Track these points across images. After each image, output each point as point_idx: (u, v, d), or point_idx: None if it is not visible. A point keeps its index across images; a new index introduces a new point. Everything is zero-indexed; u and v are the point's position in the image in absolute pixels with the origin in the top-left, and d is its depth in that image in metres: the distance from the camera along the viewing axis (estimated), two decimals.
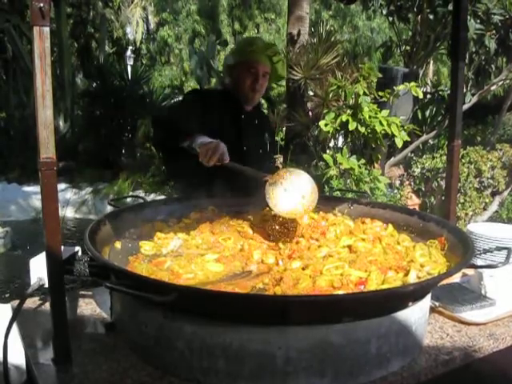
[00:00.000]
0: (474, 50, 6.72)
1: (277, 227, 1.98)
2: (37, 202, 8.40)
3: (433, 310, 1.82)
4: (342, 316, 1.36)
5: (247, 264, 1.79)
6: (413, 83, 5.44)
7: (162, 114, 2.60)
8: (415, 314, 1.51)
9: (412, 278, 1.60)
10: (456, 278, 2.12)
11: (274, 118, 7.82)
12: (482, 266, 1.82)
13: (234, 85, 2.56)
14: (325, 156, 5.39)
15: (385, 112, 5.29)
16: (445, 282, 1.86)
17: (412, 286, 1.51)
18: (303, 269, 1.68)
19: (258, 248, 1.90)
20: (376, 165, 5.87)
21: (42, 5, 1.27)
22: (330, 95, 5.78)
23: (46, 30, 1.30)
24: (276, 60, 2.54)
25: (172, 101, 12.00)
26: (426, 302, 1.62)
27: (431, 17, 6.82)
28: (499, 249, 1.90)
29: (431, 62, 11.59)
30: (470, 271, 2.09)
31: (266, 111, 10.90)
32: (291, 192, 1.98)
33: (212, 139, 2.13)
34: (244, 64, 2.51)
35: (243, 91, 2.53)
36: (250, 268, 1.76)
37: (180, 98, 3.20)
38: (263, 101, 11.06)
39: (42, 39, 1.30)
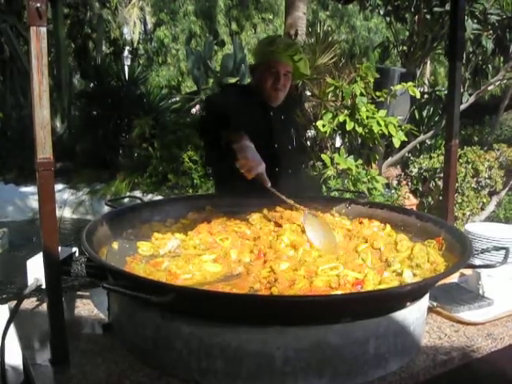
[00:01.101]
0: (471, 49, 6.74)
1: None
2: (34, 202, 8.38)
3: (431, 310, 1.82)
4: (340, 316, 1.36)
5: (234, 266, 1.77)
6: (410, 83, 5.44)
7: (213, 103, 2.62)
8: (413, 314, 1.51)
9: (408, 277, 1.60)
10: (454, 278, 2.12)
11: None
12: (479, 266, 1.82)
13: (257, 85, 2.56)
14: (323, 156, 5.39)
15: (382, 112, 5.29)
16: (443, 282, 1.86)
17: (410, 286, 1.51)
18: (296, 270, 1.67)
19: (234, 247, 1.89)
20: (373, 165, 5.87)
21: (38, 5, 1.27)
22: (329, 95, 5.78)
23: (43, 30, 1.30)
24: (297, 59, 2.51)
25: (170, 101, 12.00)
26: (424, 302, 1.62)
27: (428, 17, 6.83)
28: (497, 249, 1.90)
29: (428, 62, 11.60)
30: (468, 271, 2.09)
31: None
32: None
33: (255, 155, 2.12)
34: (264, 65, 2.51)
35: (266, 91, 2.53)
36: (238, 270, 1.74)
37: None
38: None
39: (38, 39, 1.29)
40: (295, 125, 2.88)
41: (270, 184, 2.11)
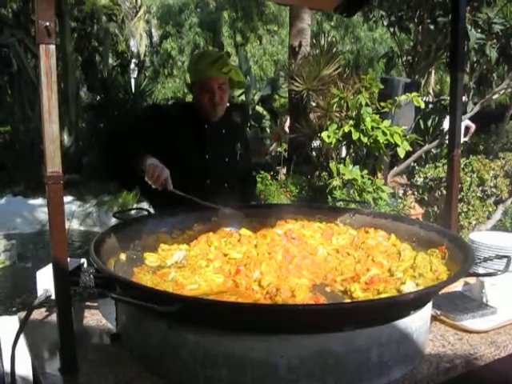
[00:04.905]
0: (475, 59, 6.76)
1: None
2: (42, 214, 8.44)
3: (434, 318, 1.83)
4: (343, 325, 1.38)
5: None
6: (414, 93, 5.47)
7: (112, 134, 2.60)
8: (416, 323, 1.52)
9: (411, 288, 1.62)
10: (457, 287, 2.13)
11: (276, 130, 7.83)
12: (481, 275, 1.83)
13: (196, 102, 2.59)
14: (331, 165, 5.42)
15: (387, 122, 5.31)
16: (446, 290, 1.88)
17: (413, 295, 1.52)
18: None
19: (217, 258, 1.91)
20: (379, 175, 5.89)
21: (47, 24, 1.30)
22: (334, 106, 5.81)
23: (52, 47, 1.34)
24: (227, 71, 2.52)
25: None
26: (427, 310, 1.63)
27: (432, 27, 6.87)
28: (499, 257, 1.91)
29: (433, 71, 11.62)
30: (472, 280, 2.10)
31: (268, 122, 10.94)
32: None
33: (159, 164, 2.23)
34: (197, 83, 2.54)
35: (204, 107, 2.55)
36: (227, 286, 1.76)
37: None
38: (265, 112, 11.10)
39: (47, 57, 1.33)
40: (242, 139, 2.83)
41: (171, 187, 2.21)
